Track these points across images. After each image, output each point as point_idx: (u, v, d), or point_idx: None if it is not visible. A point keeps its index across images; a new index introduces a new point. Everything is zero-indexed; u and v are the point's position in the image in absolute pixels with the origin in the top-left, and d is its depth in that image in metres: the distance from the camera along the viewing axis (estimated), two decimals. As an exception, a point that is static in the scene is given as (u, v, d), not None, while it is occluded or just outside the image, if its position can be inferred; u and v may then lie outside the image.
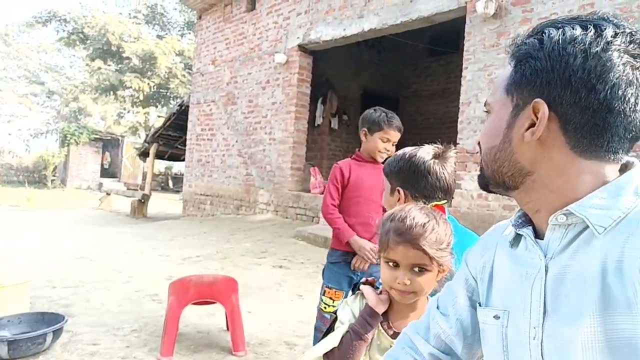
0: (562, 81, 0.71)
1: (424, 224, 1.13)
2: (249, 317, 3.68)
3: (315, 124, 9.75)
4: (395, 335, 1.19)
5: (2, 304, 3.22)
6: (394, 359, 0.96)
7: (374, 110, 2.51)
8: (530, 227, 0.80)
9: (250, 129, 9.34)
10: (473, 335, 0.90)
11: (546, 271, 0.73)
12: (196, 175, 10.76)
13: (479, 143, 0.85)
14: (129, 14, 27.52)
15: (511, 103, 0.77)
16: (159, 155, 14.27)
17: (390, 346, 1.17)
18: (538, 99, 0.74)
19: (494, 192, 0.86)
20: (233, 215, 9.32)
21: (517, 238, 0.83)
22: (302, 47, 8.38)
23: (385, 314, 1.24)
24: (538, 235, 0.79)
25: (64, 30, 24.75)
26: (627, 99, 0.69)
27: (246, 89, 9.50)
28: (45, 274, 4.64)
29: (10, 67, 28.83)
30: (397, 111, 12.14)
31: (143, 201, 12.41)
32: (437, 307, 0.96)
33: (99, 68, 23.36)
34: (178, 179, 21.76)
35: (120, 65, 24.40)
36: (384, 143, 2.45)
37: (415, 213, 1.16)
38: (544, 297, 0.73)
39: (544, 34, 0.73)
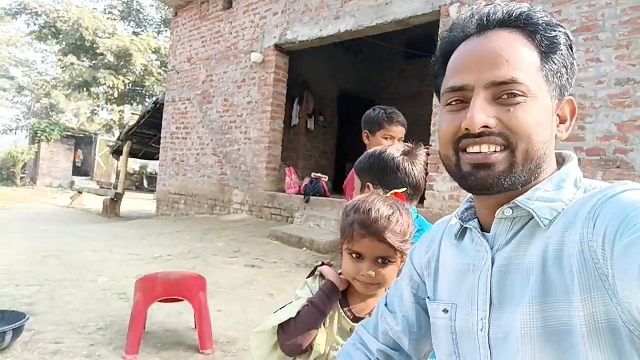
0: (571, 78, 0.75)
1: (389, 215, 1.13)
2: (218, 315, 3.65)
3: (292, 124, 9.73)
4: (355, 319, 1.20)
5: (-40, 301, 3.13)
6: (346, 355, 0.96)
7: (373, 109, 2.39)
8: (476, 220, 0.81)
9: (225, 127, 9.27)
10: (419, 332, 0.90)
11: (492, 263, 0.74)
12: (170, 174, 10.63)
13: (511, 132, 0.69)
14: (104, 9, 27.01)
15: (549, 93, 0.71)
16: (133, 154, 14.04)
17: (350, 329, 1.19)
18: (570, 96, 0.76)
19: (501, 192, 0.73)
20: (207, 214, 9.23)
21: (463, 231, 0.84)
22: (278, 47, 8.37)
23: (345, 298, 1.25)
24: (484, 227, 0.79)
25: (35, 24, 24.09)
26: None
27: (222, 87, 9.43)
28: (8, 272, 4.51)
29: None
30: None
31: (115, 200, 12.19)
32: (385, 305, 0.96)
33: (72, 64, 22.83)
34: (153, 178, 21.44)
35: (94, 62, 23.91)
36: (387, 141, 2.27)
37: (380, 204, 1.16)
38: (490, 289, 0.74)
39: (561, 27, 0.73)
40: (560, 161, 0.79)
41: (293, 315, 1.19)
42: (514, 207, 0.72)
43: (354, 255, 1.16)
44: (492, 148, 0.68)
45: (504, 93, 0.68)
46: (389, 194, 1.26)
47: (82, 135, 23.37)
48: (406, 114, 2.52)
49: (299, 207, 7.53)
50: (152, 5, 26.85)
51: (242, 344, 3.18)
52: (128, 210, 12.73)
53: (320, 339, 1.19)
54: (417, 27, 6.80)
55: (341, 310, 1.24)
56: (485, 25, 0.73)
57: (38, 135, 21.42)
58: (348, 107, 10.76)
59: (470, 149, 0.70)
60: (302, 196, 7.52)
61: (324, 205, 7.21)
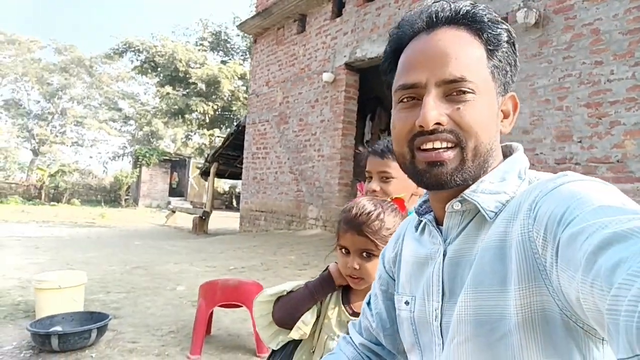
0: (514, 75, 0.78)
1: (370, 212, 1.23)
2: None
3: (364, 140, 9.85)
4: (354, 314, 1.30)
5: (60, 303, 3.60)
6: (339, 348, 1.05)
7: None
8: (432, 213, 0.85)
9: (300, 146, 9.62)
10: (392, 327, 0.94)
11: (444, 256, 0.78)
12: (252, 192, 11.18)
13: (462, 126, 0.71)
14: (196, 42, 29.27)
15: (495, 88, 0.73)
16: (219, 174, 14.93)
17: (348, 322, 1.28)
18: (513, 92, 0.80)
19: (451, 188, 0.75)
20: (285, 230, 9.58)
21: (423, 223, 0.88)
22: (348, 65, 8.58)
23: (347, 295, 1.36)
24: (439, 220, 0.83)
25: (137, 59, 26.71)
26: None
27: (297, 108, 9.82)
28: (102, 281, 5.06)
29: (92, 96, 31.58)
30: None
31: (204, 218, 13.02)
32: (367, 303, 1.03)
33: (168, 93, 24.92)
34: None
35: (187, 90, 25.91)
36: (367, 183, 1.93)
37: (364, 203, 1.26)
38: (442, 281, 0.77)
39: (504, 24, 0.75)
40: (510, 152, 0.81)
41: (288, 289, 1.35)
42: (462, 201, 0.74)
43: (343, 250, 1.27)
44: (444, 145, 0.70)
45: (454, 90, 0.69)
46: (389, 199, 1.36)
47: (177, 159, 25.27)
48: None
49: (371, 222, 7.57)
50: (239, 35, 28.54)
51: (297, 349, 3.31)
52: (216, 228, 13.53)
53: (308, 319, 1.30)
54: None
55: (342, 306, 1.35)
56: (434, 22, 0.74)
57: (139, 160, 23.53)
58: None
59: (424, 146, 0.72)
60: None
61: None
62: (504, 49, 0.74)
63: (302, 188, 9.49)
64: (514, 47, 0.76)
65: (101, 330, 3.30)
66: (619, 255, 0.44)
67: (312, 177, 9.21)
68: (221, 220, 16.11)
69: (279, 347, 1.36)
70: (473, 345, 0.67)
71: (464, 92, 0.69)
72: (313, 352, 1.35)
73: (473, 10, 0.73)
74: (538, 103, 5.47)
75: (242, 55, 29.36)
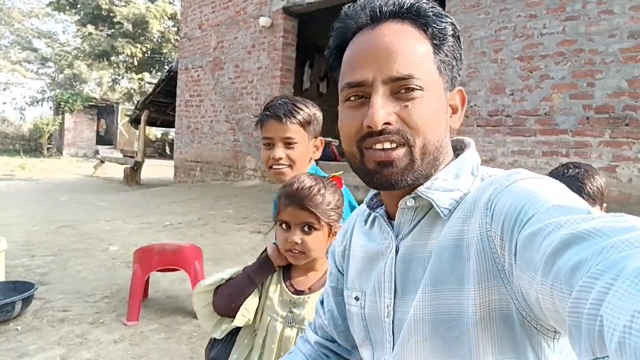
0: (460, 69, 0.76)
1: (310, 186, 1.22)
2: (220, 282, 3.78)
3: (303, 89, 9.66)
4: (296, 292, 1.29)
5: (-24, 273, 3.32)
6: (295, 347, 1.04)
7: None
8: (383, 207, 0.82)
9: (237, 94, 9.28)
10: (344, 324, 0.93)
11: (396, 252, 0.76)
12: (186, 142, 10.77)
13: (406, 127, 0.69)
14: (119, -25, 26.80)
15: (442, 84, 0.72)
16: (151, 122, 14.23)
17: (290, 301, 1.28)
18: (460, 86, 0.77)
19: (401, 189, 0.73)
20: (222, 181, 9.39)
21: (373, 217, 0.85)
22: (286, 10, 8.22)
23: (288, 272, 1.34)
24: (390, 215, 0.81)
25: (53, -6, 24.18)
26: None
27: (232, 53, 9.38)
28: (26, 244, 4.74)
29: (2, 34, 28.44)
30: None
31: (135, 168, 12.47)
32: (321, 302, 1.01)
33: (90, 33, 22.96)
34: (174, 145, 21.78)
35: (112, 30, 23.98)
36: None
37: (304, 178, 1.25)
38: (395, 277, 0.76)
39: (448, 17, 0.73)
40: (462, 147, 0.80)
41: (226, 277, 1.32)
42: (415, 197, 0.73)
43: (283, 225, 1.25)
44: (394, 145, 0.69)
45: (402, 88, 0.68)
46: (327, 176, 1.35)
47: (104, 105, 23.74)
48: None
49: (310, 173, 7.56)
50: (167, -30, 26.46)
51: (238, 309, 3.30)
52: (149, 178, 13.04)
53: (250, 305, 1.28)
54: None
55: (283, 284, 1.32)
56: (378, 17, 0.71)
57: (62, 106, 21.87)
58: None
59: (374, 147, 0.70)
60: (313, 161, 7.53)
61: (333, 169, 7.21)
62: (449, 43, 0.72)
63: (239, 138, 9.24)
64: (459, 40, 0.74)
65: (27, 301, 3.09)
66: (577, 257, 0.45)
67: (249, 126, 8.97)
68: (154, 169, 15.54)
69: (223, 335, 1.31)
70: (431, 344, 0.67)
71: (412, 90, 0.68)
72: (256, 334, 1.32)
73: (417, 4, 0.71)
74: (475, 55, 5.53)
75: (171, -7, 27.37)
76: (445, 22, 0.71)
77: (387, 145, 0.69)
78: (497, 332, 0.62)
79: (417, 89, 0.68)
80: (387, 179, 0.70)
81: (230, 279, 1.33)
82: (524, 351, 0.61)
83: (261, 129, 1.55)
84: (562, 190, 0.59)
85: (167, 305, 3.35)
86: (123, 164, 13.58)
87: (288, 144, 1.50)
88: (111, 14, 23.30)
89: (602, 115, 4.56)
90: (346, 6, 0.77)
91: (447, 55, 0.72)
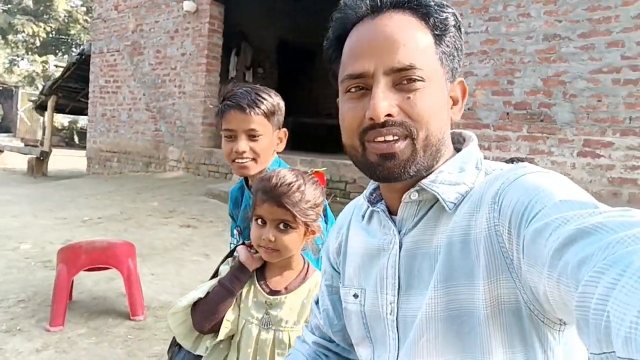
0: (461, 60, 0.75)
1: (290, 183, 1.16)
2: (151, 279, 3.58)
3: (229, 77, 9.39)
4: (272, 293, 1.23)
5: None
6: (294, 349, 1.01)
7: None
8: (384, 202, 0.80)
9: (158, 81, 8.81)
10: (339, 323, 0.92)
11: (400, 247, 0.75)
12: (101, 131, 10.07)
13: (411, 120, 0.68)
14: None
15: (444, 76, 0.72)
16: (59, 109, 13.15)
17: (266, 302, 1.22)
18: (460, 77, 0.76)
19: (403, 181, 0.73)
20: (142, 172, 8.90)
21: (371, 212, 0.84)
22: (212, -5, 7.91)
23: (262, 272, 1.28)
24: (391, 209, 0.79)
25: None
26: None
27: (153, 38, 8.88)
28: None
29: None
30: (313, 65, 11.71)
31: (42, 159, 11.46)
32: (316, 302, 0.99)
33: (-17, 8, 20.68)
34: (84, 134, 20.25)
35: (8, 6, 21.73)
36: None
37: (284, 173, 1.19)
38: (398, 273, 0.74)
39: (450, 7, 0.72)
40: (461, 140, 0.80)
41: (202, 295, 1.23)
42: (419, 191, 0.72)
43: (258, 221, 1.19)
44: (396, 137, 0.68)
45: (404, 79, 0.67)
46: (309, 172, 1.28)
47: (0, 88, 21.52)
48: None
49: (238, 164, 7.38)
50: (73, -56, 24.45)
51: (175, 308, 3.13)
52: (57, 169, 12.05)
53: (230, 316, 1.21)
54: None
55: (257, 285, 1.26)
56: (379, 7, 0.70)
57: (-51, 88, 19.53)
58: (288, 58, 10.48)
59: (376, 139, 0.69)
60: (241, 152, 7.37)
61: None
62: (451, 34, 0.72)
63: (161, 127, 8.80)
64: (460, 31, 0.74)
65: None
66: (583, 252, 0.45)
67: (172, 115, 8.57)
68: (63, 160, 14.40)
69: (208, 352, 1.24)
70: (443, 341, 0.67)
71: (414, 81, 0.67)
72: (232, 337, 1.26)
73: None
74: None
75: (79, -31, 25.36)
76: (447, 13, 0.71)
77: (390, 137, 0.68)
78: (507, 326, 0.63)
79: (418, 80, 0.67)
80: (390, 172, 0.70)
81: (207, 294, 1.24)
82: (531, 343, 0.62)
83: (221, 120, 1.45)
84: (568, 184, 0.60)
85: (94, 307, 3.10)
86: (27, 154, 12.40)
87: (252, 136, 1.42)
88: (8, -12, 21.17)
89: (520, 111, 4.89)
90: None
91: (448, 46, 0.71)
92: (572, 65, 4.57)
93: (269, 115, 1.44)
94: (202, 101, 8.03)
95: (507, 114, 4.97)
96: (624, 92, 4.30)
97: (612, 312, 0.38)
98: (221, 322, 1.20)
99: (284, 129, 1.54)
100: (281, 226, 1.17)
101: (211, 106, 8.24)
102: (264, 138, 1.44)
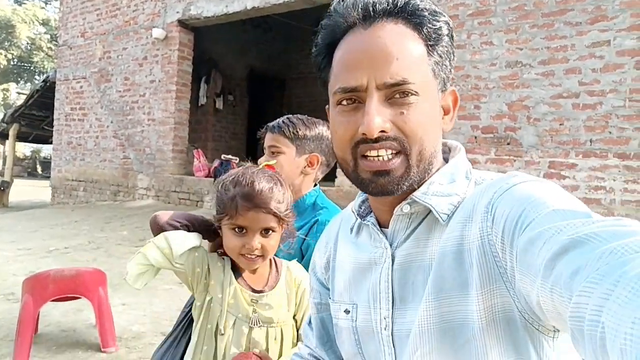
0: (452, 68, 0.73)
1: (271, 187, 1.17)
2: (122, 309, 3.46)
3: (199, 104, 9.36)
4: (254, 291, 1.23)
5: None
6: None
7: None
8: (374, 215, 0.79)
9: (126, 108, 8.70)
10: (330, 340, 0.90)
11: (392, 261, 0.73)
12: (66, 159, 9.81)
13: (404, 135, 0.67)
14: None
15: (436, 87, 0.70)
16: (22, 137, 12.78)
17: (252, 300, 1.21)
18: (452, 87, 0.74)
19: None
20: (110, 201, 8.67)
21: (359, 225, 0.82)
22: (182, 23, 7.95)
23: (239, 274, 1.25)
24: (381, 222, 0.77)
25: None
26: None
27: (121, 65, 8.81)
28: None
29: None
30: (283, 92, 11.83)
31: (3, 189, 11.05)
32: (308, 323, 0.97)
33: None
34: (48, 164, 19.68)
35: (-31, 34, 21.23)
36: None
37: (261, 177, 1.18)
38: (392, 287, 0.72)
39: (443, 15, 0.70)
40: (447, 150, 0.79)
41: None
42: (411, 203, 0.71)
43: (236, 229, 1.17)
44: (389, 152, 0.67)
45: (397, 93, 0.66)
46: (260, 166, 1.30)
47: (-41, 117, 20.78)
48: (318, 93, 2.48)
49: (209, 191, 7.30)
50: (38, -28, 24.22)
51: (148, 338, 3.03)
52: (18, 200, 11.62)
53: (186, 240, 1.24)
54: (326, 5, 6.77)
55: (237, 285, 1.23)
56: (371, 16, 0.68)
57: None
58: (258, 86, 10.55)
59: (369, 154, 0.68)
60: (212, 179, 7.30)
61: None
62: (444, 44, 0.70)
63: (129, 155, 8.64)
64: (452, 39, 0.73)
65: None
66: (576, 262, 0.45)
67: (141, 142, 8.44)
68: (24, 190, 13.91)
69: (143, 286, 1.22)
70: (438, 354, 0.66)
71: (407, 95, 0.66)
72: (223, 334, 1.20)
73: (412, 2, 0.68)
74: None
75: (43, -3, 25.08)
76: (441, 22, 0.69)
77: (383, 152, 0.67)
78: (502, 335, 0.62)
79: (412, 94, 0.66)
80: (384, 188, 0.68)
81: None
82: (526, 351, 0.62)
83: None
84: (561, 193, 0.60)
85: (62, 340, 2.96)
86: (-14, 184, 11.93)
87: (273, 152, 1.52)
88: (-31, 16, 20.68)
89: (487, 135, 5.05)
90: (335, 1, 0.73)
91: (440, 57, 0.70)
92: (535, 90, 4.77)
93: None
94: (171, 128, 7.96)
95: (475, 137, 5.12)
96: (584, 115, 4.51)
97: (607, 323, 0.38)
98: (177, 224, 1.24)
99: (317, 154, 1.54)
100: (263, 232, 1.16)
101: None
102: (284, 157, 1.49)
